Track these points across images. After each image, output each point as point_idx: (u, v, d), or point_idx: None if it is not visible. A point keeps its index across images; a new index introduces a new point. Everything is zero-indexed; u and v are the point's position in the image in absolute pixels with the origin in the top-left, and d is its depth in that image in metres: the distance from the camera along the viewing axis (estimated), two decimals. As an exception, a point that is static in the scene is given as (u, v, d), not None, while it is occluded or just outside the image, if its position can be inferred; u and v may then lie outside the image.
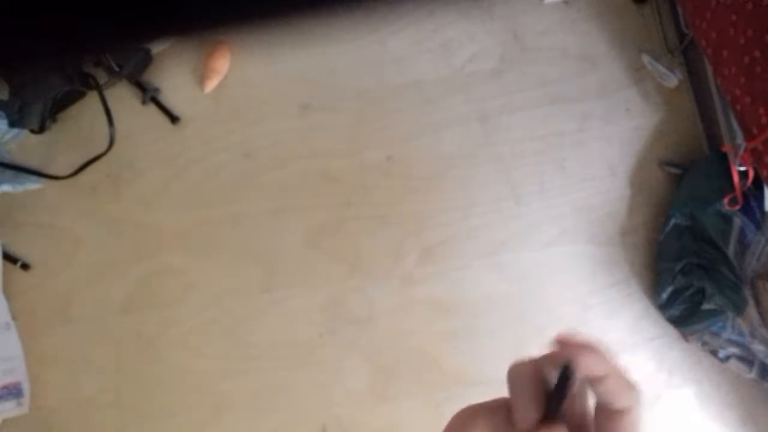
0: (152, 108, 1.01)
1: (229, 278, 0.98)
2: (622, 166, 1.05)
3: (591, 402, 0.31)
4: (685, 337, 1.00)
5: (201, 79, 1.01)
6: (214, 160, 1.01)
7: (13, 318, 0.96)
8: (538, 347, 0.29)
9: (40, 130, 0.97)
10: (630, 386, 0.28)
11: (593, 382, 0.28)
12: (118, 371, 0.96)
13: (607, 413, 0.29)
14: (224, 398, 0.97)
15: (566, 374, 0.28)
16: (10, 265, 0.96)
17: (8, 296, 0.96)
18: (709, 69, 0.94)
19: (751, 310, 0.95)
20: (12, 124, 0.94)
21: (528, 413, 0.28)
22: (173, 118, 1.00)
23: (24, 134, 0.99)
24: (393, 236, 1.01)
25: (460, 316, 1.00)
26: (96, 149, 0.99)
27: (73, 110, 1.00)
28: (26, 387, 0.94)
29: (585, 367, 0.27)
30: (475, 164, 1.03)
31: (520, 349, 0.99)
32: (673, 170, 1.03)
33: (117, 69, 0.97)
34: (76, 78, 0.96)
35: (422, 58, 1.05)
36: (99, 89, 0.98)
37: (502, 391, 0.31)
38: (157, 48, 1.01)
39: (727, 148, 0.92)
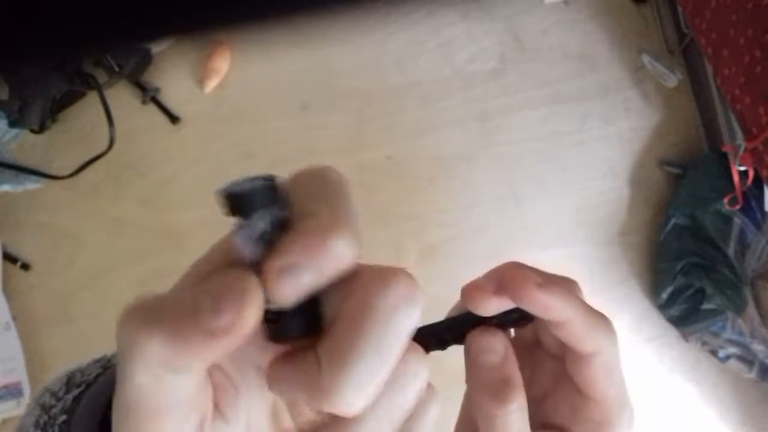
0: (152, 108, 1.01)
1: (229, 278, 0.98)
2: (622, 166, 1.04)
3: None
4: (685, 337, 1.00)
5: (201, 79, 1.01)
6: (214, 160, 1.01)
7: (13, 318, 0.96)
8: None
9: (40, 130, 0.97)
10: (597, 324, 0.24)
11: (552, 326, 0.24)
12: (118, 371, 0.96)
13: (573, 355, 0.25)
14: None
15: (513, 318, 0.25)
16: (10, 265, 0.96)
17: (8, 296, 0.96)
18: (709, 69, 0.94)
19: (751, 310, 0.95)
20: (12, 124, 0.94)
21: None
22: (173, 118, 1.00)
23: (24, 134, 0.99)
24: (393, 236, 1.01)
25: (460, 316, 1.00)
26: (96, 149, 0.99)
27: (73, 110, 1.00)
28: (26, 387, 0.94)
29: (541, 309, 0.23)
30: (475, 164, 1.03)
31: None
32: (673, 170, 1.03)
33: (117, 69, 0.97)
34: (76, 78, 0.96)
35: (422, 58, 1.05)
36: (99, 89, 0.97)
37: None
38: (157, 48, 1.01)
39: (727, 148, 0.93)
